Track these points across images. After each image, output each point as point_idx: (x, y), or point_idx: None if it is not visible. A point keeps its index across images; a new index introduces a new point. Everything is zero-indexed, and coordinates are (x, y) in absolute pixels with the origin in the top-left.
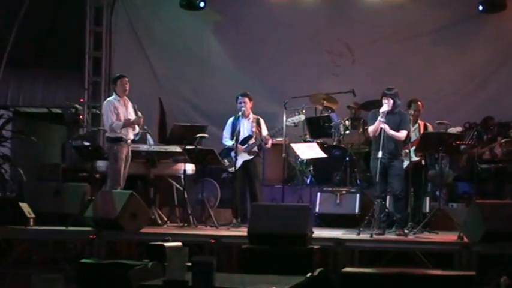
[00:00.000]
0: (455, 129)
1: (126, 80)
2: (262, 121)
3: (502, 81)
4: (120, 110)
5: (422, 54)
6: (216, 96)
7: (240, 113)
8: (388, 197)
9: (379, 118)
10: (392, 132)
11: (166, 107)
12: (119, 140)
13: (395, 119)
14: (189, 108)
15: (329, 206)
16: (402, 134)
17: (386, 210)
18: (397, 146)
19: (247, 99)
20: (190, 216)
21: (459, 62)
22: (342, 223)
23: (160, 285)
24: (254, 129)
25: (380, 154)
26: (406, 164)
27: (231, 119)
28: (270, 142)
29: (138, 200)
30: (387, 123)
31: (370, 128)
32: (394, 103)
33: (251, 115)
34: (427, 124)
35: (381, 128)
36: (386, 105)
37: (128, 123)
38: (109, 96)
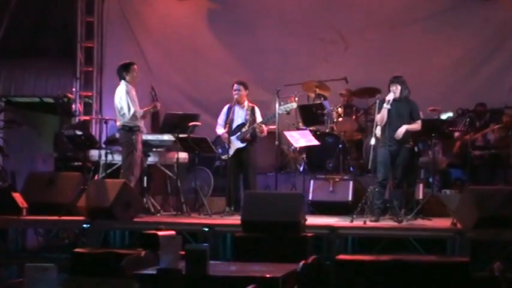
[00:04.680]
0: (447, 115)
1: (137, 67)
2: (257, 109)
3: (493, 68)
4: (135, 98)
5: (415, 41)
6: (208, 84)
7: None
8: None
9: (384, 105)
10: (411, 127)
11: (159, 95)
12: (137, 129)
13: (404, 107)
14: (182, 96)
15: (322, 194)
16: (418, 125)
17: (384, 197)
18: (406, 134)
19: (242, 87)
20: (184, 205)
21: (451, 48)
22: (335, 210)
23: (153, 274)
24: (248, 117)
25: (389, 141)
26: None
27: (226, 107)
28: (265, 130)
29: (131, 189)
30: (395, 110)
31: (378, 117)
32: (402, 91)
33: (246, 103)
34: None
35: (388, 116)
36: (392, 93)
37: (147, 112)
38: (100, 84)
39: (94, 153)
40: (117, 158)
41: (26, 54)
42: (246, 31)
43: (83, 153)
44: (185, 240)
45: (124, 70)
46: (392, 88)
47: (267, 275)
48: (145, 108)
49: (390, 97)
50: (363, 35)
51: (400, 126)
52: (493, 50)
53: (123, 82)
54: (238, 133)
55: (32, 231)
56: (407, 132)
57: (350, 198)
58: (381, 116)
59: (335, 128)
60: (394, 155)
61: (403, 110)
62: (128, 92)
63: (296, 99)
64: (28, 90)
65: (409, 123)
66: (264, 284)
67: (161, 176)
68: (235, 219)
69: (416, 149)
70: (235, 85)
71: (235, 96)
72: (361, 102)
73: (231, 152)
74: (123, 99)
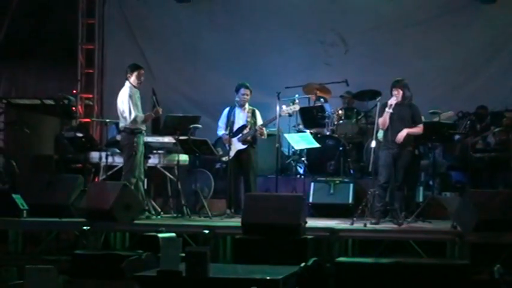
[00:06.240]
0: (447, 114)
1: (143, 72)
2: (257, 112)
3: (494, 71)
4: (138, 102)
5: (415, 44)
6: (209, 86)
7: (236, 103)
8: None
9: (386, 109)
10: (412, 130)
11: (159, 97)
12: (138, 132)
13: (406, 111)
14: (182, 98)
15: (323, 196)
16: (420, 128)
17: (385, 200)
18: (408, 137)
19: (249, 92)
20: (184, 207)
21: (452, 51)
22: (335, 213)
23: (154, 276)
24: (249, 119)
25: (391, 145)
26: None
27: (226, 110)
28: (265, 133)
29: (131, 191)
30: (397, 114)
31: (380, 120)
32: (404, 94)
33: (247, 106)
34: None
35: (390, 119)
36: (395, 97)
37: (149, 117)
38: (101, 87)
39: (94, 155)
40: (118, 160)
41: (27, 56)
42: (246, 33)
43: (84, 155)
44: (185, 242)
45: (130, 71)
46: (394, 92)
47: (268, 277)
48: (147, 114)
49: (392, 101)
50: (364, 38)
51: (401, 130)
52: (493, 53)
53: (127, 84)
54: (240, 135)
55: None
56: (408, 135)
57: (350, 200)
58: (383, 120)
59: (335, 131)
60: (395, 157)
61: (405, 114)
62: (130, 96)
63: (297, 101)
64: (29, 92)
65: (410, 127)
66: (265, 286)
67: (162, 178)
68: (236, 222)
69: (417, 152)
70: (244, 89)
71: (244, 100)
72: (362, 104)
73: (232, 153)
74: (125, 103)
